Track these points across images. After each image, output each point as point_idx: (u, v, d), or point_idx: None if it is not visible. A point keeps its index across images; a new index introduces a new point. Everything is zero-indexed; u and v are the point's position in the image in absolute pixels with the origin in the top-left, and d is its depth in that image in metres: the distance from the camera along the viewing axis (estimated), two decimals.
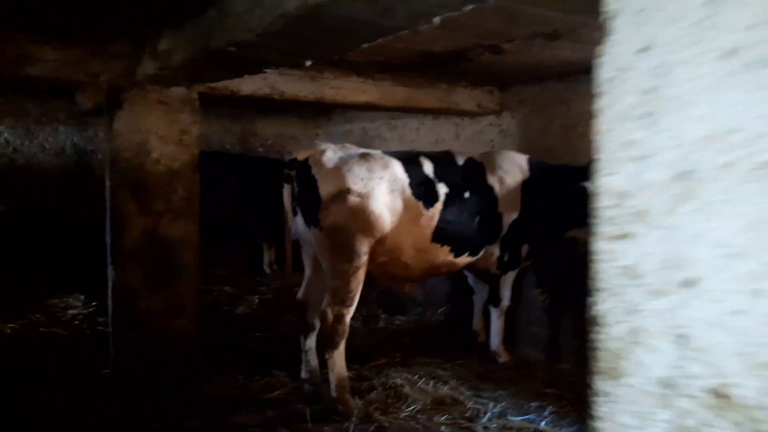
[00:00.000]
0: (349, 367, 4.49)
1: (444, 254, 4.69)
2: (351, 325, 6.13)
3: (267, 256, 8.49)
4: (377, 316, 6.79)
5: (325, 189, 4.22)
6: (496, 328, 5.28)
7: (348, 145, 4.57)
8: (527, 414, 4.31)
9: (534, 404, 4.44)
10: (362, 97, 5.73)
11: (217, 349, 5.35)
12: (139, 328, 4.82)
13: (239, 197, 7.93)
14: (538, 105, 6.18)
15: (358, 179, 4.26)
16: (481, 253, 4.93)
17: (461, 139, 7.25)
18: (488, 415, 4.22)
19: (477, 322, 5.69)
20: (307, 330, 4.67)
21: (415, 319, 6.73)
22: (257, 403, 4.46)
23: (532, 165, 5.07)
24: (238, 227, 8.45)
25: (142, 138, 4.77)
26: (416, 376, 4.84)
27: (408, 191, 4.44)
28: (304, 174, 4.33)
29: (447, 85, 6.20)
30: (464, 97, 6.35)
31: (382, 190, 4.32)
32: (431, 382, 4.76)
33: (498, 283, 5.15)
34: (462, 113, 6.53)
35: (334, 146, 4.46)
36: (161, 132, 4.85)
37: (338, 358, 4.34)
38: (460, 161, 4.91)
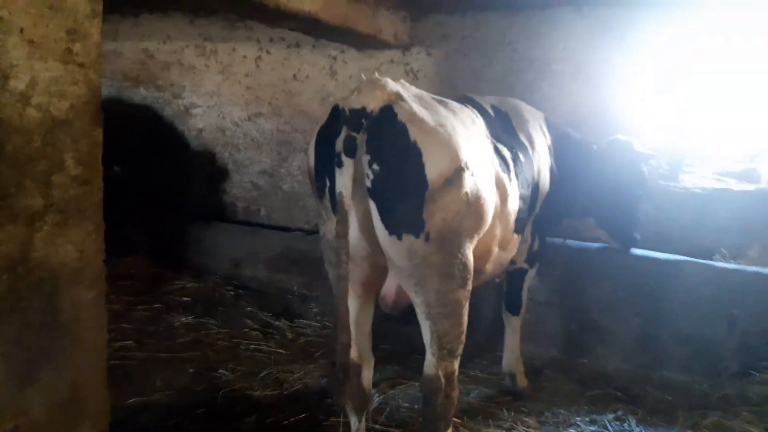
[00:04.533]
0: None
1: (516, 246, 3.34)
2: (252, 349, 4.34)
3: None
4: (272, 324, 4.84)
5: (435, 166, 2.41)
6: (512, 344, 3.93)
7: (403, 81, 2.73)
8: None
9: (609, 416, 3.66)
10: (306, 5, 3.67)
11: None
12: None
13: None
14: (470, 42, 5.06)
15: (468, 146, 2.58)
16: None
17: (339, 80, 5.58)
18: None
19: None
20: (364, 404, 2.79)
21: (320, 321, 5.00)
22: None
23: (551, 126, 3.89)
24: None
25: None
26: None
27: (497, 161, 2.94)
28: (393, 139, 2.39)
29: (375, 1, 4.53)
30: (386, 23, 4.78)
31: (485, 163, 2.74)
32: None
33: (522, 282, 3.87)
34: (382, 44, 4.93)
35: (394, 83, 2.59)
36: (31, 31, 2.10)
37: None
38: (490, 110, 3.49)
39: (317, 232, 5.71)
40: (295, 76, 5.74)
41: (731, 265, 4.17)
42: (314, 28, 4.22)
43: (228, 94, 6.11)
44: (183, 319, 4.81)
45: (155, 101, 6.45)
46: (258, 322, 4.84)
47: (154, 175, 6.37)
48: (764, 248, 4.39)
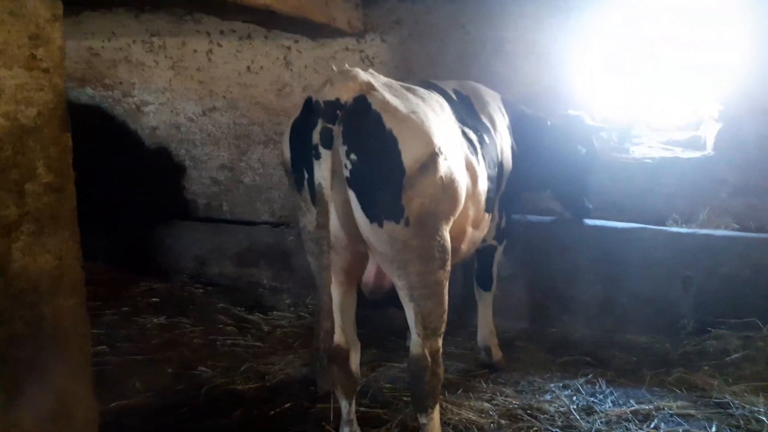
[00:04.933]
0: None
1: (487, 225, 3.45)
2: (229, 344, 4.35)
3: None
4: (246, 318, 4.83)
5: (411, 153, 2.47)
6: (485, 318, 4.10)
7: (372, 71, 2.77)
8: (594, 396, 3.69)
9: (581, 380, 3.84)
10: None
11: None
12: None
13: None
14: (423, 27, 5.12)
15: (440, 131, 2.66)
16: None
17: (295, 70, 5.56)
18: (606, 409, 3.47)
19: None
20: (353, 387, 2.87)
21: (294, 312, 5.02)
22: None
23: (507, 105, 4.01)
24: None
25: None
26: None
27: (465, 144, 3.02)
28: (369, 128, 2.44)
29: None
30: (339, 11, 4.78)
31: (455, 147, 2.82)
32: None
33: (492, 258, 4.01)
34: (336, 32, 4.94)
35: (365, 73, 2.64)
36: None
37: (438, 419, 2.81)
38: (453, 95, 3.57)
39: (283, 224, 5.74)
40: (248, 68, 5.68)
41: (683, 229, 4.41)
42: (268, 19, 4.20)
43: (180, 90, 5.99)
44: (155, 320, 4.76)
45: (104, 101, 6.27)
46: (231, 317, 4.82)
47: (109, 177, 6.20)
48: (713, 211, 4.65)
